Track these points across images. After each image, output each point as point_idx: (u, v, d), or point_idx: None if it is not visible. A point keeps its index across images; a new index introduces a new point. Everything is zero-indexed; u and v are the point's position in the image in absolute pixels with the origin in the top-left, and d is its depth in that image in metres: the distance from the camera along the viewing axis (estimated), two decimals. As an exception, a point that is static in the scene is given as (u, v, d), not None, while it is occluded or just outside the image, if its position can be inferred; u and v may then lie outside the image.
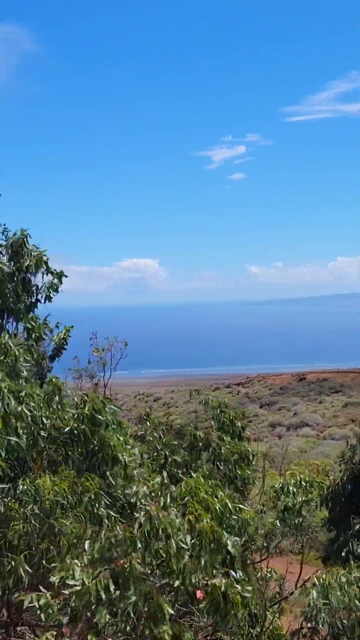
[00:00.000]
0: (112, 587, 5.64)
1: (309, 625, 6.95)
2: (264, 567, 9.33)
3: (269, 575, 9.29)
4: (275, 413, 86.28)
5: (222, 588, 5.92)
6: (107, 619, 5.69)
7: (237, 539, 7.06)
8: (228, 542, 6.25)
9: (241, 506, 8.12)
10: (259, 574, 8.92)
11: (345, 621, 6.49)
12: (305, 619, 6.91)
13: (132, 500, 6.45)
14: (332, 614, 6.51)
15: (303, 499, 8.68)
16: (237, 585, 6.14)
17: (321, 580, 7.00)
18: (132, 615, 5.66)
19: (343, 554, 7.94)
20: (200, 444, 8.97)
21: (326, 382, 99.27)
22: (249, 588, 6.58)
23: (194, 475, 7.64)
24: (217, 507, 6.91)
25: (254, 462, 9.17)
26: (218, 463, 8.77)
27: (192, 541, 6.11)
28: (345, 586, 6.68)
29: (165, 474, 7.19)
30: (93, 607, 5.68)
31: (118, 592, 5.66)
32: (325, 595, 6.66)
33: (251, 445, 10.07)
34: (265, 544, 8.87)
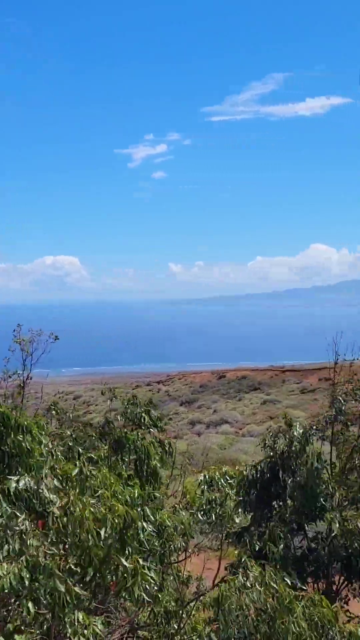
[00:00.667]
0: (26, 579, 5.56)
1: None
2: (182, 566, 9.32)
3: (186, 574, 9.27)
4: (195, 411, 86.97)
5: (133, 572, 5.89)
6: (32, 610, 5.64)
7: (152, 528, 7.05)
8: (144, 524, 6.19)
9: (156, 494, 8.13)
10: (177, 572, 8.89)
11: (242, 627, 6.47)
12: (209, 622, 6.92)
13: (44, 496, 6.29)
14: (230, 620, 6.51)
15: (227, 491, 8.73)
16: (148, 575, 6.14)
17: (221, 587, 7.01)
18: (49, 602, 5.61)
19: (257, 545, 7.97)
20: (112, 439, 8.89)
21: (245, 380, 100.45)
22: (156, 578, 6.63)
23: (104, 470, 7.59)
24: (127, 498, 6.87)
25: (170, 456, 9.13)
26: (127, 456, 8.70)
27: (107, 532, 6.05)
28: (238, 595, 6.66)
29: (80, 467, 7.07)
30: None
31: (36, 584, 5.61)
32: (221, 602, 6.67)
33: (167, 438, 10.04)
34: (184, 543, 8.84)
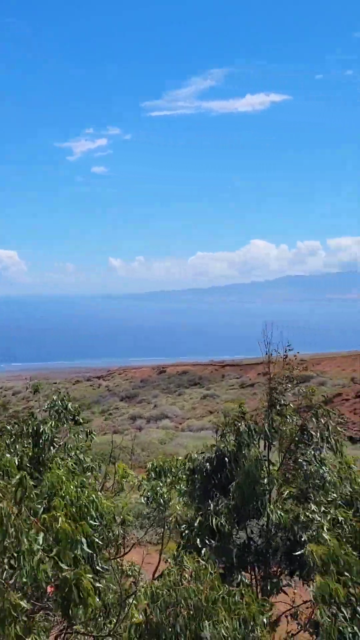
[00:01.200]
0: None
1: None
2: (122, 560, 9.36)
3: (127, 568, 9.31)
4: (136, 406, 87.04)
5: (74, 580, 5.89)
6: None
7: (95, 536, 7.03)
8: (83, 540, 6.17)
9: (97, 495, 8.13)
10: (117, 567, 8.91)
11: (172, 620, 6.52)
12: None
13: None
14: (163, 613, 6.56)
15: (170, 479, 8.83)
16: (89, 576, 6.13)
17: (153, 584, 7.05)
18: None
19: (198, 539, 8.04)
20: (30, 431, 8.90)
21: (185, 375, 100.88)
22: (102, 580, 6.65)
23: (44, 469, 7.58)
24: (82, 502, 6.86)
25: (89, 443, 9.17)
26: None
27: (46, 538, 6.03)
28: (171, 591, 6.71)
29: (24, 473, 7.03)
30: None
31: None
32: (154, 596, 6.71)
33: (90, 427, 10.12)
34: (123, 536, 8.90)
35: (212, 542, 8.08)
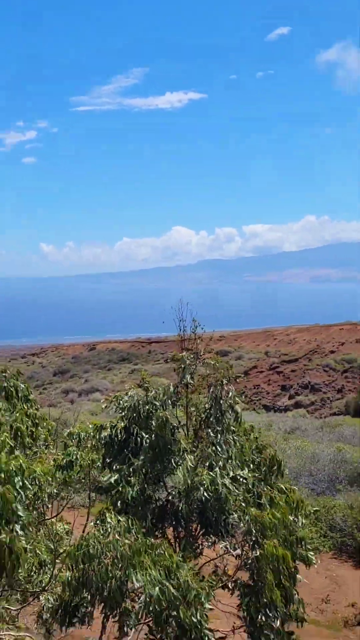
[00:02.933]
0: None
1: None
2: (55, 521, 9.49)
3: (60, 528, 9.43)
4: (68, 380, 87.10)
5: (8, 542, 5.98)
6: None
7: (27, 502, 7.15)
8: (18, 506, 6.26)
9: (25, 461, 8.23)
10: (51, 527, 9.04)
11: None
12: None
13: None
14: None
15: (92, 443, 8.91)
16: (22, 538, 6.24)
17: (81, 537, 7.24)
18: None
19: (119, 500, 8.21)
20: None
21: (115, 352, 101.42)
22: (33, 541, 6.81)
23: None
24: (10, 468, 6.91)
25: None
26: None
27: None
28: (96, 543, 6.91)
29: None
30: None
31: None
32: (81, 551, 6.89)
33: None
34: (56, 498, 9.00)
35: (135, 502, 8.24)
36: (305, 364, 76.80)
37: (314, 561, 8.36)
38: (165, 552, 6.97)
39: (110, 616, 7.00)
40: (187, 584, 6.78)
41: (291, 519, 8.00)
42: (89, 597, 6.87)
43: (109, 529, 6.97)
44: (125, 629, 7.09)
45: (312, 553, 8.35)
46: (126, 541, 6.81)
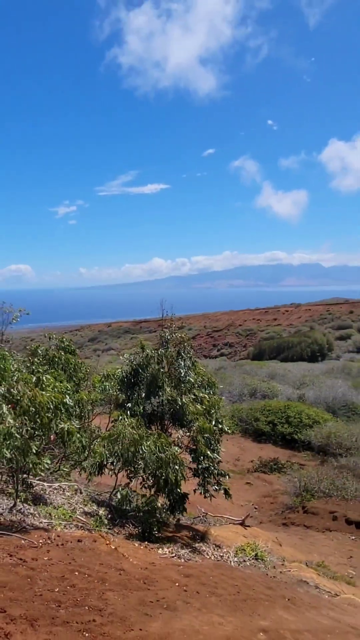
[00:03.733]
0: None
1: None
2: (92, 422, 9.47)
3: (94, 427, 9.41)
4: (96, 344, 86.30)
5: (67, 428, 6.00)
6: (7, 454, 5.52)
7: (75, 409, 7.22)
8: (67, 400, 6.27)
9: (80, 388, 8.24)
10: (89, 425, 9.03)
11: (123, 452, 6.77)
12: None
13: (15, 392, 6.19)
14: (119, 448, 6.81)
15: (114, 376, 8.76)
16: (76, 428, 6.28)
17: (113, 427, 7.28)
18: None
19: (128, 411, 8.19)
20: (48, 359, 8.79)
21: (122, 328, 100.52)
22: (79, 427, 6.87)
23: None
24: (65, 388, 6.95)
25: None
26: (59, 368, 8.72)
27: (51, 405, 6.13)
28: (123, 427, 6.96)
29: (37, 376, 7.03)
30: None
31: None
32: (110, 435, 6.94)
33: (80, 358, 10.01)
34: (90, 407, 8.90)
35: (137, 410, 8.25)
36: (225, 332, 77.32)
37: (227, 430, 8.49)
38: (159, 436, 7.08)
39: (125, 471, 7.08)
40: (173, 454, 6.89)
41: (213, 410, 8.16)
42: (114, 461, 6.94)
43: (126, 425, 7.01)
44: (131, 479, 7.18)
45: (227, 427, 8.49)
46: (134, 431, 6.90)
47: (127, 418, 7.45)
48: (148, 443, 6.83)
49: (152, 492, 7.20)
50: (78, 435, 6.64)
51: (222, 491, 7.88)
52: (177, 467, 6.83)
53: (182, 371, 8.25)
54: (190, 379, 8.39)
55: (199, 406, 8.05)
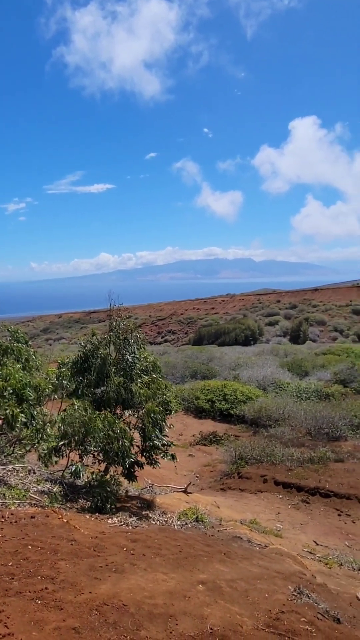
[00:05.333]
0: None
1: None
2: (47, 408, 9.20)
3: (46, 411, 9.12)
4: (48, 334, 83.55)
5: (11, 413, 5.83)
6: None
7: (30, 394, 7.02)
8: (30, 394, 6.09)
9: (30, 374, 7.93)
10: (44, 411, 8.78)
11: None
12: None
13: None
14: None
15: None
16: (22, 413, 6.09)
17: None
18: None
19: (78, 394, 8.00)
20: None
21: (72, 319, 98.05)
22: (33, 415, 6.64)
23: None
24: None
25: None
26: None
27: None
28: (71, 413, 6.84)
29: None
30: None
31: None
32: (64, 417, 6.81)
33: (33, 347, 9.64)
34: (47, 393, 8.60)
35: (88, 395, 8.09)
36: (168, 320, 77.60)
37: (174, 411, 8.55)
38: (108, 416, 7.01)
39: (77, 451, 6.96)
40: (122, 429, 6.88)
41: (160, 392, 8.17)
42: (66, 442, 6.81)
43: (77, 409, 6.87)
44: (82, 457, 7.08)
45: (175, 408, 8.56)
46: (84, 414, 6.79)
47: (78, 402, 7.32)
48: (97, 422, 6.76)
49: (103, 467, 7.16)
50: (23, 418, 6.46)
51: (170, 457, 7.94)
52: (126, 441, 6.83)
53: (129, 357, 8.19)
54: (137, 364, 8.34)
55: (147, 390, 8.05)
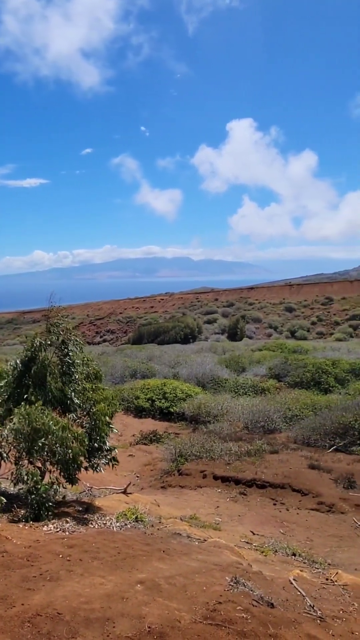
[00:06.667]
0: None
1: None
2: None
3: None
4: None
5: None
6: None
7: None
8: None
9: None
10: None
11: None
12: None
13: None
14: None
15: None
16: None
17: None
18: None
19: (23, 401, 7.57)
20: None
21: (3, 319, 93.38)
22: None
23: None
24: None
25: None
26: None
27: None
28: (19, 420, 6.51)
29: None
30: None
31: None
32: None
33: None
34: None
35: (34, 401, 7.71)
36: (107, 320, 76.58)
37: (118, 410, 8.47)
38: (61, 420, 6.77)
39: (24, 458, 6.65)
40: (77, 432, 6.69)
41: (105, 395, 8.05)
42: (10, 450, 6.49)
43: (22, 415, 6.54)
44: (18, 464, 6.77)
45: (117, 409, 8.44)
46: (41, 416, 6.52)
47: (25, 408, 6.96)
48: (50, 425, 6.48)
49: (42, 473, 6.89)
50: None
51: (111, 462, 7.82)
52: (79, 445, 6.66)
53: (68, 360, 7.95)
54: (78, 368, 8.14)
55: (93, 392, 7.86)
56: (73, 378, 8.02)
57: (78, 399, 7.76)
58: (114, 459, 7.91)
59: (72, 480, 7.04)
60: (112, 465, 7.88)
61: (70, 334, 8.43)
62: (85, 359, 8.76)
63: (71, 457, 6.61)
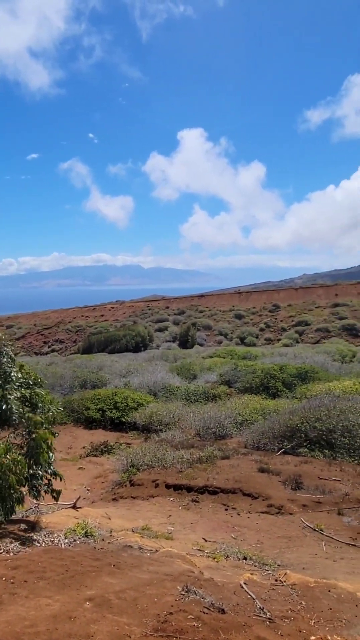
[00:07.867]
0: None
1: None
2: None
3: None
4: None
5: None
6: None
7: None
8: None
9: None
10: None
11: None
12: None
13: None
14: None
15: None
16: None
17: None
18: None
19: None
20: None
21: None
22: None
23: None
24: None
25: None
26: None
27: None
28: None
29: None
30: None
31: None
32: None
33: None
34: None
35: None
36: (55, 329, 74.50)
37: (68, 422, 8.11)
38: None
39: None
40: (18, 460, 6.21)
41: (49, 414, 7.61)
42: None
43: None
44: None
45: (58, 420, 8.02)
46: None
47: None
48: None
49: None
50: None
51: (51, 494, 7.28)
52: (14, 474, 6.14)
53: (5, 369, 7.59)
54: (14, 378, 7.77)
55: (33, 414, 7.38)
56: (10, 388, 7.60)
57: (17, 408, 7.35)
58: (55, 491, 7.23)
59: (8, 512, 6.39)
60: (54, 496, 7.27)
61: (1, 343, 7.98)
62: (25, 369, 8.41)
63: (7, 487, 6.08)
